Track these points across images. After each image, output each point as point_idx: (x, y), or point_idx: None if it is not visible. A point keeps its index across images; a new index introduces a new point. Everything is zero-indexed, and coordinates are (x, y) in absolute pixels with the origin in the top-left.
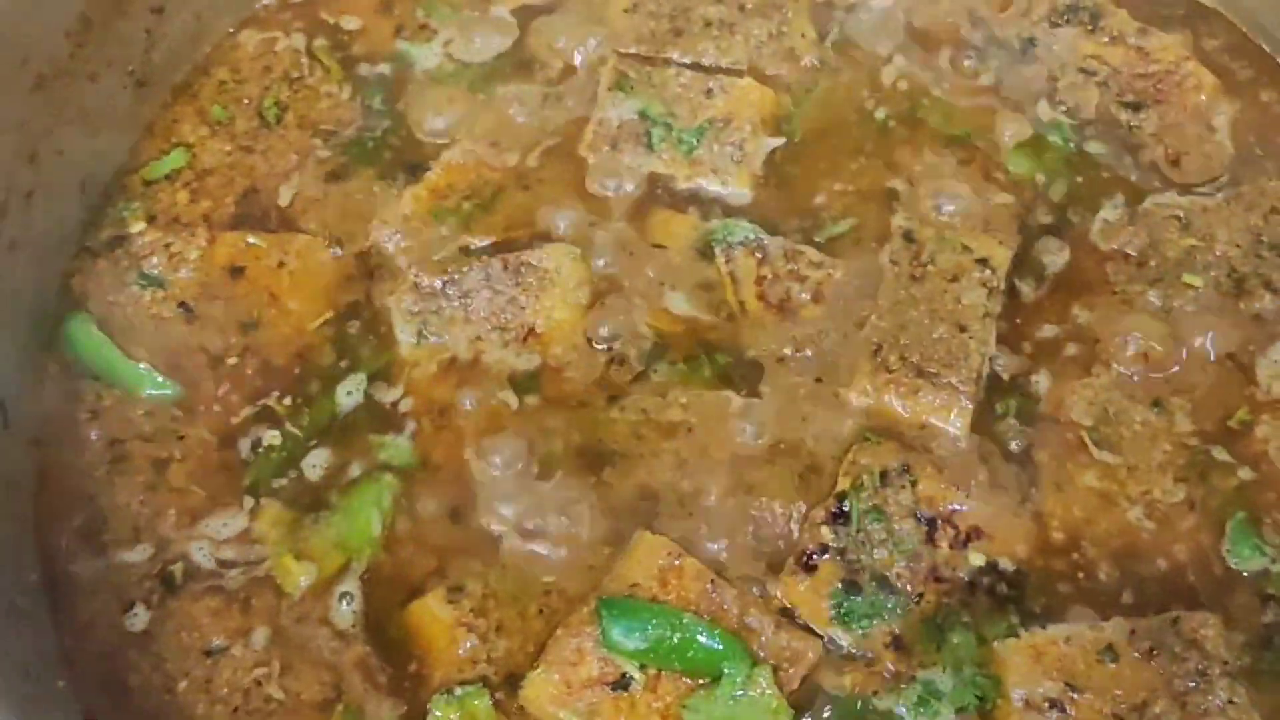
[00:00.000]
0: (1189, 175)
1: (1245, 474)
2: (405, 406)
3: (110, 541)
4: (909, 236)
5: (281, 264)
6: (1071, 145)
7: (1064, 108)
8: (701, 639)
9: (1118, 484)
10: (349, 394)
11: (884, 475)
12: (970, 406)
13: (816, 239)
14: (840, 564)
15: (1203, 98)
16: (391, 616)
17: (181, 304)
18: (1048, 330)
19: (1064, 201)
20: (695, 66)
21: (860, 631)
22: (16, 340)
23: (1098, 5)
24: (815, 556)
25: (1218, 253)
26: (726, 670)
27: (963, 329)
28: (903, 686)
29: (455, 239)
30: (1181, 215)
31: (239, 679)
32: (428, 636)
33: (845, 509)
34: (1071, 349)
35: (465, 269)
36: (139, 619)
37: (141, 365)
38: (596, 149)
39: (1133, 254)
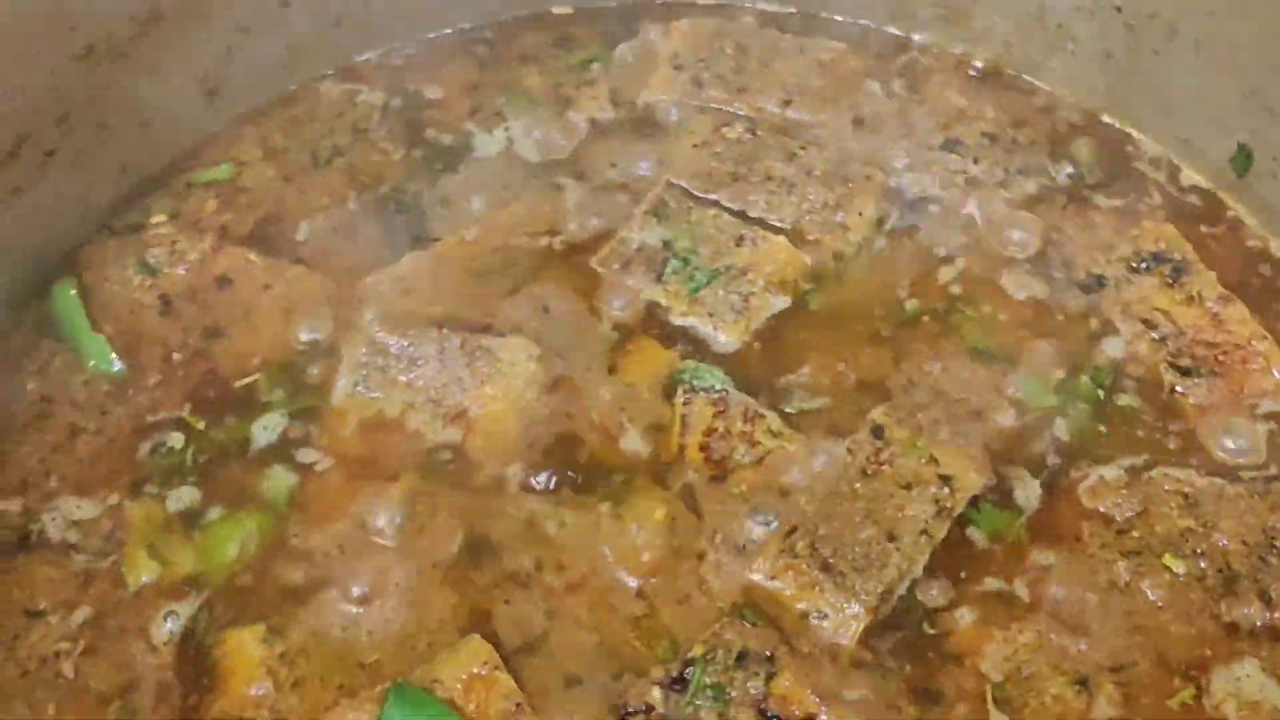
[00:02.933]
0: (1220, 457)
1: None
2: (312, 449)
3: None
4: (878, 432)
5: (268, 286)
6: (1102, 393)
7: (1111, 355)
8: None
9: None
10: (265, 429)
11: (741, 656)
12: (866, 616)
13: (786, 408)
14: None
15: (1269, 383)
16: (209, 640)
17: (163, 296)
18: (991, 570)
19: (1071, 446)
20: (740, 214)
21: None
22: (15, 282)
23: (1186, 260)
24: (634, 716)
25: (1217, 543)
26: None
27: (892, 538)
28: None
29: (432, 307)
30: (1190, 494)
31: (41, 646)
32: (230, 666)
33: (686, 677)
34: (1007, 595)
35: (424, 337)
36: None
37: (100, 337)
38: (607, 264)
39: (1117, 519)
